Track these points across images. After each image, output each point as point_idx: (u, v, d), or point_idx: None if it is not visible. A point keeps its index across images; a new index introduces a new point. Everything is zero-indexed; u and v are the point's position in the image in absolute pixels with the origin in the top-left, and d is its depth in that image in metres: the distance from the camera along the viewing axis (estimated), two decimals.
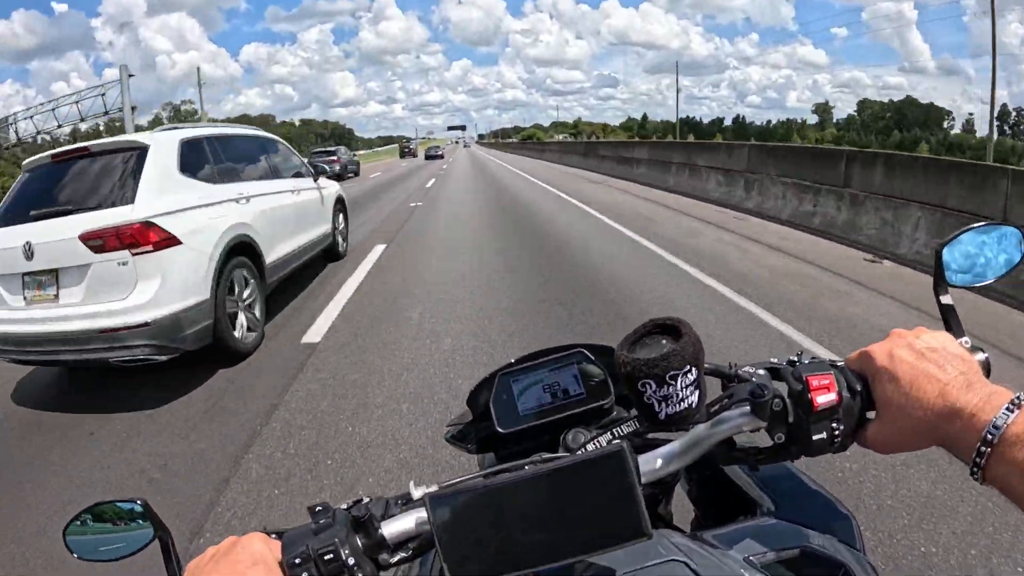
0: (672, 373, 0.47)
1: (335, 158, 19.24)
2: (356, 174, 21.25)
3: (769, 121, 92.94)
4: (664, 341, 0.50)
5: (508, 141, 74.49)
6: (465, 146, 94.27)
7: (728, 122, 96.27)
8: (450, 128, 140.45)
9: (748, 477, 0.64)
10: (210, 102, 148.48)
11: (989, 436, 0.39)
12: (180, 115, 63.57)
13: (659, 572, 0.45)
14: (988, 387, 0.42)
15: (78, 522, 0.56)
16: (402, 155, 47.11)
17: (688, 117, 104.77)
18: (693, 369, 0.48)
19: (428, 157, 37.01)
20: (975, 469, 0.40)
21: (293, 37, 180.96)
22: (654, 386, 0.47)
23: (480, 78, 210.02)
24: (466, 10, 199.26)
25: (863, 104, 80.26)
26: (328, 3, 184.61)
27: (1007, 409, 0.39)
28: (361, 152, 68.27)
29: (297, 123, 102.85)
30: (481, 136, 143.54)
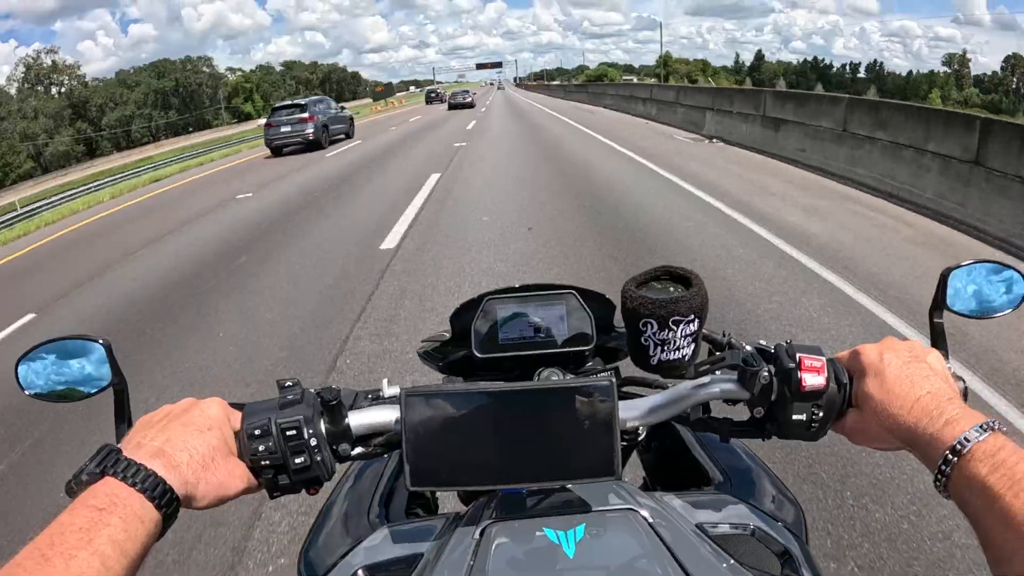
0: (676, 319, 0.60)
1: (305, 116, 15.82)
2: (348, 136, 18.54)
3: (910, 72, 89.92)
4: (672, 288, 0.63)
5: (552, 84, 73.09)
6: (499, 88, 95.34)
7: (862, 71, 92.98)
8: (479, 66, 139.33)
9: (704, 450, 0.79)
10: (239, 52, 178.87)
11: (958, 447, 0.48)
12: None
13: (617, 516, 0.58)
14: (964, 408, 0.52)
15: (35, 356, 0.62)
16: (428, 101, 50.70)
17: (816, 60, 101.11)
18: (696, 320, 0.61)
19: (453, 106, 34.26)
20: (939, 478, 0.50)
21: None
22: (655, 327, 0.61)
23: (515, 20, 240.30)
24: None
25: (1015, 61, 75.16)
26: None
27: (980, 427, 0.49)
28: (360, 104, 68.49)
29: (278, 67, 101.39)
30: (519, 79, 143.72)
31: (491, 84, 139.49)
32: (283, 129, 16.21)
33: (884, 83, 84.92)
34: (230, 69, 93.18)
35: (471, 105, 35.04)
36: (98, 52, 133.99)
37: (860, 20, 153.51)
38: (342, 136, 18.69)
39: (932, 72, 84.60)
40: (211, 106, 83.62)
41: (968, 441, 0.49)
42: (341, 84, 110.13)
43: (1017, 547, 0.43)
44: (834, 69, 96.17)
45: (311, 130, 16.13)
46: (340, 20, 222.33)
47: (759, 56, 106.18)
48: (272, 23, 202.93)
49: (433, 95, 53.94)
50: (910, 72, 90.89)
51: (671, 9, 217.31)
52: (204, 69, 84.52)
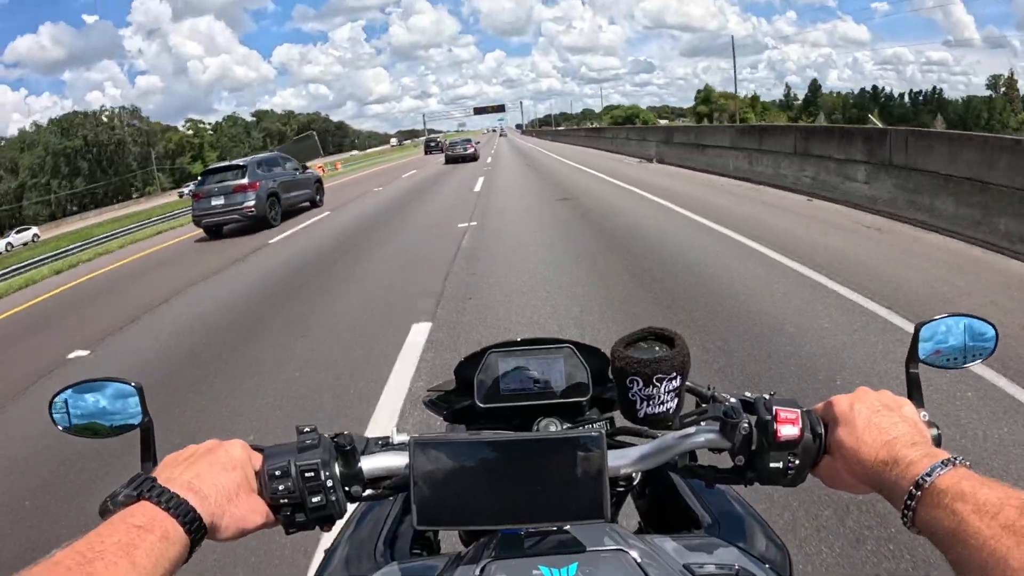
0: (659, 376, 0.75)
1: (244, 182, 12.93)
2: (314, 204, 16.07)
3: (971, 97, 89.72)
4: (657, 348, 0.78)
5: (559, 129, 74.63)
6: (502, 135, 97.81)
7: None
8: (477, 111, 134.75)
9: (695, 496, 0.90)
10: (245, 105, 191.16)
11: (920, 482, 0.57)
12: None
13: (608, 557, 0.68)
14: (930, 448, 0.62)
15: (68, 394, 0.73)
16: (427, 151, 52.60)
17: (875, 88, 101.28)
18: (678, 377, 0.76)
19: (451, 159, 31.21)
20: (906, 513, 0.58)
21: (324, 36, 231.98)
22: (641, 384, 0.76)
23: (514, 69, 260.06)
24: (496, 0, 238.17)
25: None
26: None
27: (941, 464, 0.57)
28: (345, 157, 68.61)
29: (248, 117, 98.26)
30: (523, 126, 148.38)
31: (493, 131, 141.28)
32: (214, 202, 13.09)
33: (946, 111, 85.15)
34: (191, 121, 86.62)
35: (474, 157, 31.25)
36: (106, 102, 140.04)
37: (852, 50, 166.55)
38: (306, 204, 15.92)
39: (990, 98, 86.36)
40: (141, 168, 75.32)
41: (930, 476, 0.57)
42: (324, 136, 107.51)
43: (985, 568, 0.51)
44: (895, 100, 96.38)
45: (252, 202, 13.02)
46: (343, 72, 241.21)
47: (814, 87, 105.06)
48: (276, 76, 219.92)
49: (432, 144, 54.99)
50: (969, 98, 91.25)
51: (666, 52, 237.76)
52: (132, 123, 74.46)
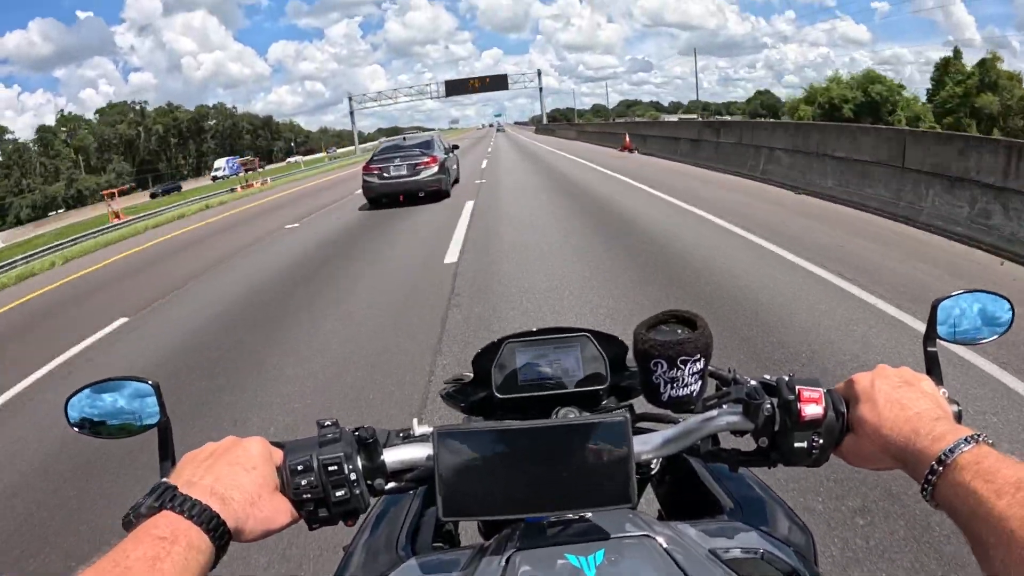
0: (683, 358, 0.74)
1: None
2: None
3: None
4: (680, 331, 0.77)
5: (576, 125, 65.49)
6: (499, 130, 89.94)
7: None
8: (452, 87, 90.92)
9: (715, 481, 0.90)
10: (240, 102, 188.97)
11: (943, 457, 0.57)
12: None
13: (634, 543, 0.68)
14: (952, 424, 0.62)
15: (84, 394, 0.72)
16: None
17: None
18: (702, 359, 0.75)
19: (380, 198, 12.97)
20: (926, 487, 0.58)
21: (320, 32, 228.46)
22: (665, 367, 0.75)
23: (511, 67, 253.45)
24: None
25: None
26: None
27: (964, 440, 0.58)
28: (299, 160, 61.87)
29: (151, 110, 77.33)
30: (537, 120, 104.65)
31: (489, 127, 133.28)
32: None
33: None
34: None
35: (439, 191, 13.21)
36: (99, 100, 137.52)
37: (852, 50, 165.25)
38: None
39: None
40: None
41: (952, 452, 0.57)
42: (232, 137, 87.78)
43: (1003, 544, 0.51)
44: None
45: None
46: (339, 69, 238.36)
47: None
48: (272, 73, 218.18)
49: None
50: None
51: (663, 51, 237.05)
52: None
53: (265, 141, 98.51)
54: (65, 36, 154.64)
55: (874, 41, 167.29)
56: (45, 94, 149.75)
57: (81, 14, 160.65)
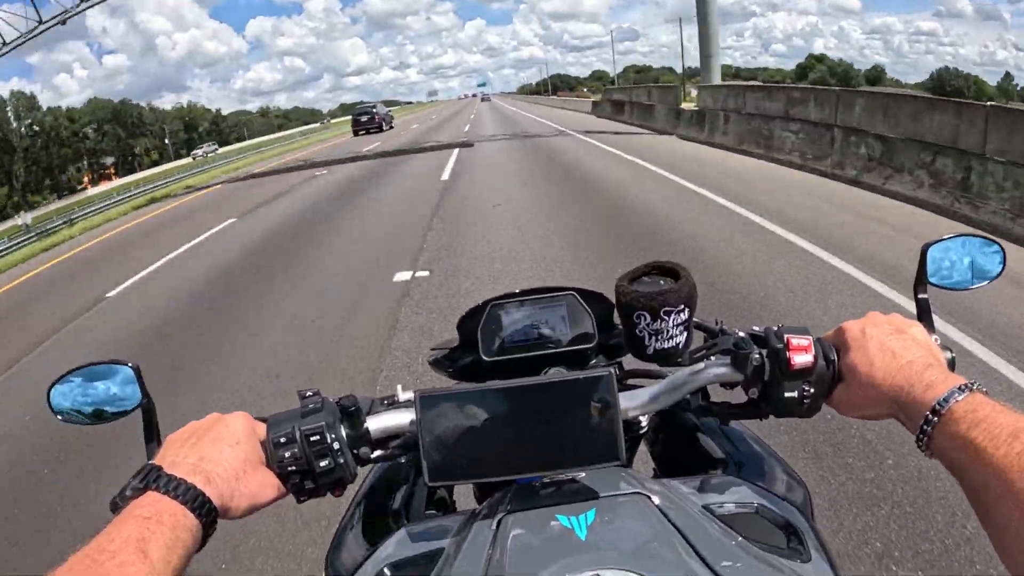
0: (667, 309, 0.74)
1: None
2: None
3: None
4: (662, 281, 0.76)
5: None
6: (484, 99, 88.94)
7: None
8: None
9: (709, 437, 0.90)
10: (219, 80, 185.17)
11: (938, 407, 0.57)
12: None
13: (626, 501, 0.67)
14: (945, 372, 0.61)
15: (65, 381, 0.73)
16: (356, 133, 34.75)
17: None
18: (686, 310, 0.74)
19: None
20: (921, 437, 0.58)
21: (299, 8, 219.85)
22: (648, 319, 0.74)
23: (495, 37, 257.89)
24: None
25: None
26: None
27: (958, 389, 0.57)
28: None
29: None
30: (546, 87, 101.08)
31: (473, 96, 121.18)
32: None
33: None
34: None
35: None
36: (74, 85, 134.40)
37: (840, 19, 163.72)
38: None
39: None
40: None
41: (947, 402, 0.57)
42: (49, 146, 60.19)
43: (1000, 494, 0.51)
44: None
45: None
46: (318, 44, 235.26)
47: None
48: (250, 50, 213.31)
49: (365, 118, 35.60)
50: None
51: (649, 19, 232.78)
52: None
53: (114, 141, 72.90)
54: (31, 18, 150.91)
55: (864, 10, 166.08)
56: (19, 82, 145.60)
57: None
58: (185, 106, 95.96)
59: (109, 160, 72.31)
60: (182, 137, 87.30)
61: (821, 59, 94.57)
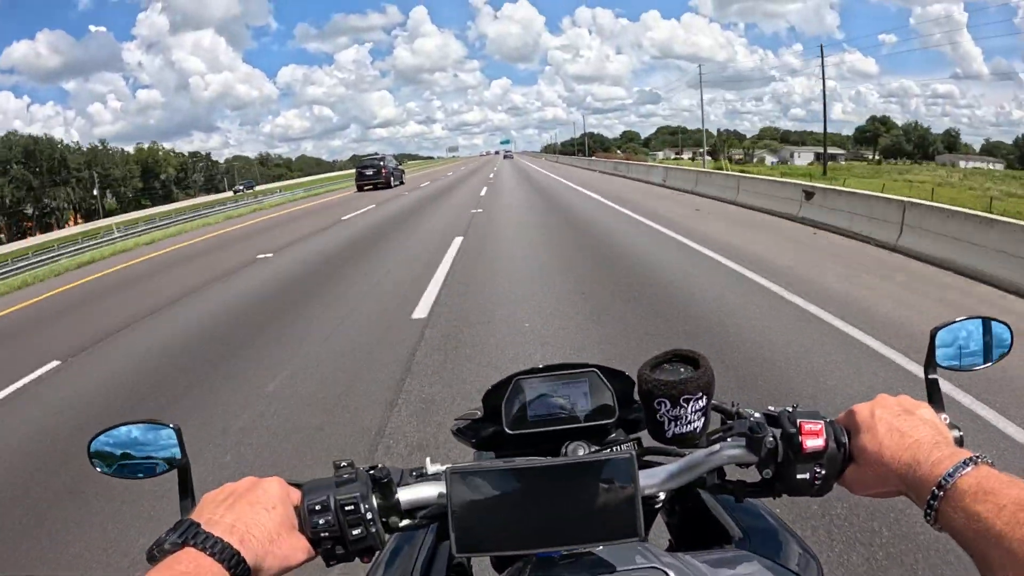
0: (686, 396, 0.78)
1: None
2: None
3: None
4: (682, 369, 0.81)
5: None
6: (506, 156, 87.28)
7: None
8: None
9: (724, 511, 0.91)
10: (248, 124, 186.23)
11: (943, 482, 0.59)
12: None
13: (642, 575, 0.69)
14: (952, 449, 0.64)
15: (107, 436, 0.76)
16: (360, 188, 31.46)
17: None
18: (704, 397, 0.78)
19: None
20: (928, 512, 0.60)
21: (329, 58, 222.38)
22: (668, 405, 0.79)
23: (520, 96, 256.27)
24: (503, 25, 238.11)
25: None
26: (359, 19, 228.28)
27: (963, 463, 0.59)
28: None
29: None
30: (578, 148, 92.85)
31: (495, 154, 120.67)
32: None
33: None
34: None
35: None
36: (107, 115, 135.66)
37: (857, 83, 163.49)
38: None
39: None
40: None
41: (952, 476, 0.59)
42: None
43: (1005, 564, 0.52)
44: None
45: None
46: (347, 94, 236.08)
47: None
48: (280, 96, 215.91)
49: (371, 172, 32.14)
50: None
51: (671, 83, 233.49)
52: None
53: (84, 189, 65.90)
54: (74, 49, 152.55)
55: (881, 74, 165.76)
56: (55, 107, 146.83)
57: (94, 28, 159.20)
58: (145, 148, 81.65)
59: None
60: (136, 185, 75.34)
61: (884, 121, 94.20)
